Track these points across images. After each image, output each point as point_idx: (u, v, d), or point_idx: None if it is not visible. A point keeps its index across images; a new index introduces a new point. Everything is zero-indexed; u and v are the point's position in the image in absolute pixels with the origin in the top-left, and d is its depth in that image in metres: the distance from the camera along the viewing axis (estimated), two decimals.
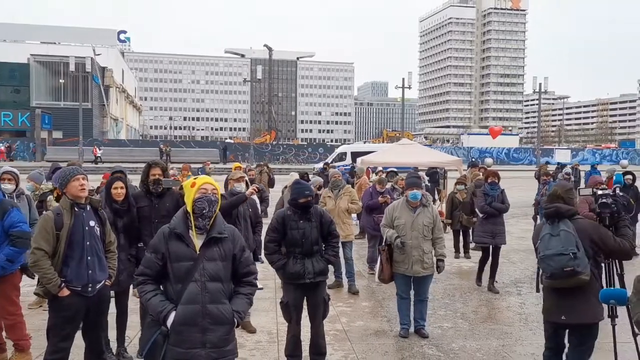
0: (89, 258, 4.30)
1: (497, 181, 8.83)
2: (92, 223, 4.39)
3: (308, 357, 5.40)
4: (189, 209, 3.43)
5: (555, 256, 4.18)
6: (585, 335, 4.41)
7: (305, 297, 5.34)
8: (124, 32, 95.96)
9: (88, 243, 4.31)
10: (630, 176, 11.29)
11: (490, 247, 8.65)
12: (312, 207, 5.29)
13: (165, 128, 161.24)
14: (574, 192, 4.62)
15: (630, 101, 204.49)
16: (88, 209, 4.42)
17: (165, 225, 3.50)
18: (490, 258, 8.70)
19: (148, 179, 5.67)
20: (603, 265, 4.48)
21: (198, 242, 3.40)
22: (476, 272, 9.04)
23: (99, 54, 59.20)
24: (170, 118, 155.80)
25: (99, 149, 48.07)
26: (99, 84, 62.71)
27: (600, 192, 4.56)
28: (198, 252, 3.37)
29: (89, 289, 4.30)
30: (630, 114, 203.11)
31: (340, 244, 8.45)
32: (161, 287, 3.47)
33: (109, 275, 4.53)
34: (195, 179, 3.53)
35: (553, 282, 4.27)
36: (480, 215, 8.71)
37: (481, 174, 12.62)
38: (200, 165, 26.11)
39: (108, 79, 66.30)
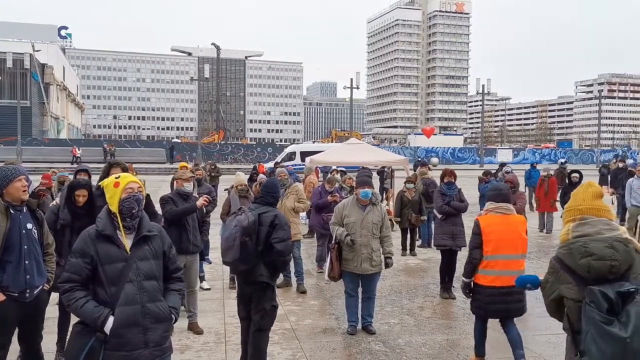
0: (26, 262, 4.11)
1: (453, 180, 8.48)
2: (29, 226, 4.20)
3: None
4: (115, 209, 3.34)
5: None
6: None
7: None
8: (65, 27, 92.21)
9: (26, 247, 4.12)
10: (577, 174, 11.74)
11: (450, 249, 8.12)
12: None
13: (110, 127, 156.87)
14: None
15: (568, 102, 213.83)
16: (24, 210, 4.22)
17: (91, 227, 3.40)
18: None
19: None
20: None
21: (127, 242, 3.34)
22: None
23: (38, 50, 57.06)
24: (115, 117, 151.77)
25: (78, 150, 45.93)
26: (39, 81, 60.34)
27: None
28: (129, 252, 3.31)
29: (27, 294, 4.12)
30: (567, 115, 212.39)
31: None
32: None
33: (47, 279, 4.36)
34: (117, 178, 3.43)
35: None
36: (439, 216, 8.25)
37: (429, 172, 12.87)
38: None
39: (48, 76, 63.94)
